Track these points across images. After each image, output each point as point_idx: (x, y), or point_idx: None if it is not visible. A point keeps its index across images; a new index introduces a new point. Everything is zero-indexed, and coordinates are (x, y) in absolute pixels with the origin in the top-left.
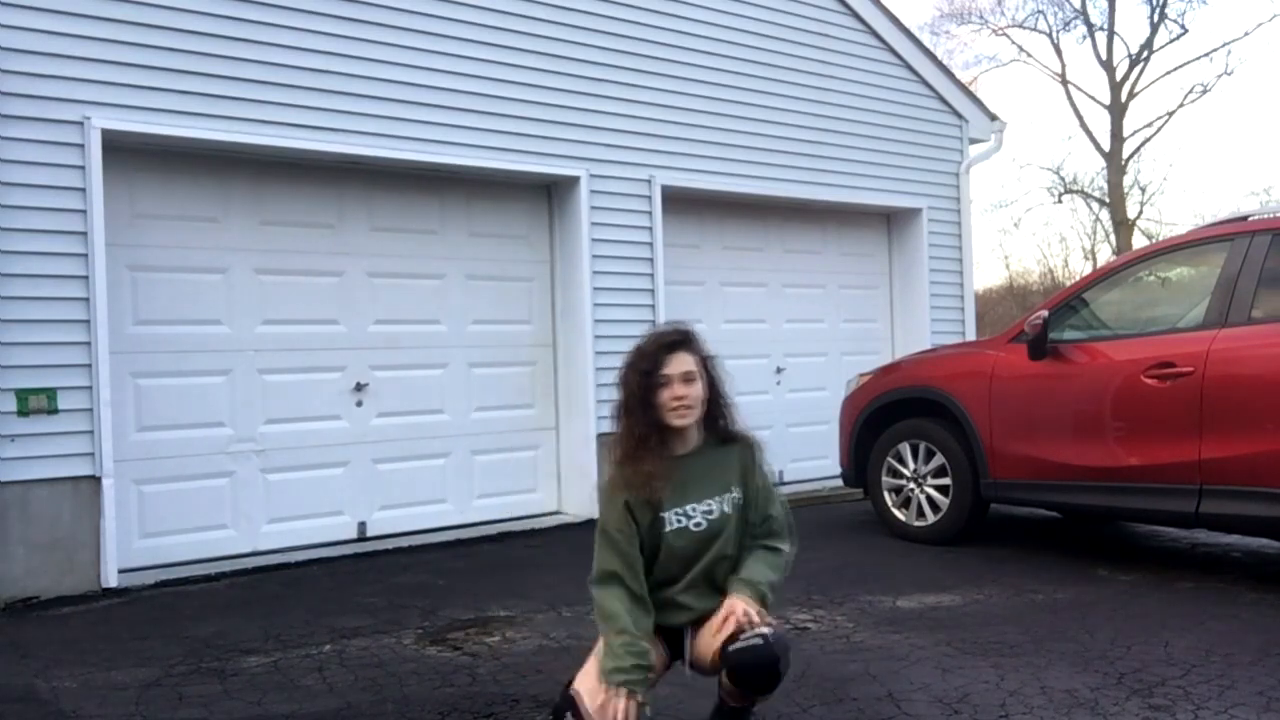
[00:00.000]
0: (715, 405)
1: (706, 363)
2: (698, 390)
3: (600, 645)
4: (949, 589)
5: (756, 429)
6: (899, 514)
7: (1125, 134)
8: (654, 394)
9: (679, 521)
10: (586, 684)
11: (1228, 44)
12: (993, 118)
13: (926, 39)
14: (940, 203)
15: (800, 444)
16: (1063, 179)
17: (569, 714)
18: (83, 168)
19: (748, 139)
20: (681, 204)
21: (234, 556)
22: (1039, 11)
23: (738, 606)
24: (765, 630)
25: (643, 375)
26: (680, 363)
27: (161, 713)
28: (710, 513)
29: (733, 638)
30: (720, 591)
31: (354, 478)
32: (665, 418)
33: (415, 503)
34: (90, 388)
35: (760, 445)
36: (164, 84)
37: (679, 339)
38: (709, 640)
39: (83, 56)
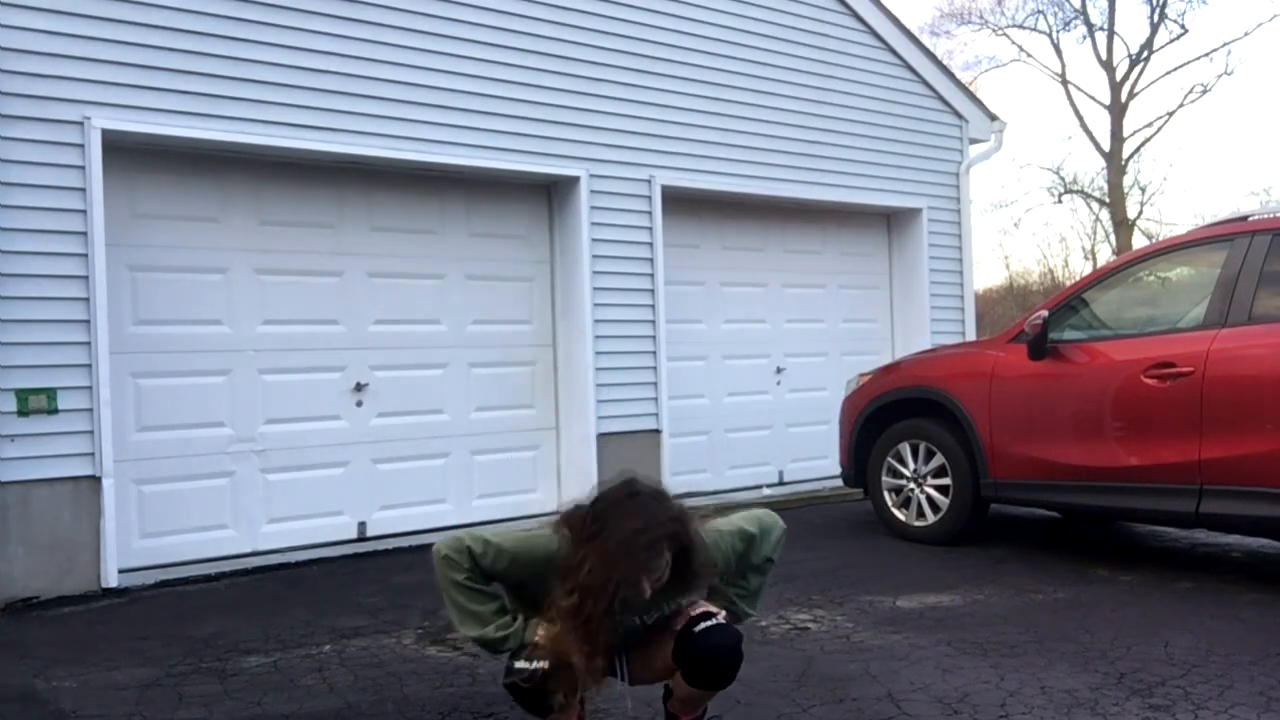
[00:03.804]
0: (684, 565)
1: (682, 535)
2: (666, 567)
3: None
4: (949, 589)
5: (756, 429)
6: (899, 514)
7: (1125, 134)
8: (631, 591)
9: None
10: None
11: (1228, 44)
12: (993, 118)
13: (926, 39)
14: (940, 203)
15: (800, 444)
16: (1063, 179)
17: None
18: (83, 168)
19: (748, 139)
20: (681, 204)
21: (234, 556)
22: (1039, 11)
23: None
24: (723, 618)
25: (619, 584)
26: (661, 563)
27: (161, 713)
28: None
29: (690, 625)
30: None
31: (354, 478)
32: (633, 601)
33: (415, 503)
34: (90, 388)
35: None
36: (164, 84)
37: (665, 535)
38: (659, 644)
39: (83, 56)
